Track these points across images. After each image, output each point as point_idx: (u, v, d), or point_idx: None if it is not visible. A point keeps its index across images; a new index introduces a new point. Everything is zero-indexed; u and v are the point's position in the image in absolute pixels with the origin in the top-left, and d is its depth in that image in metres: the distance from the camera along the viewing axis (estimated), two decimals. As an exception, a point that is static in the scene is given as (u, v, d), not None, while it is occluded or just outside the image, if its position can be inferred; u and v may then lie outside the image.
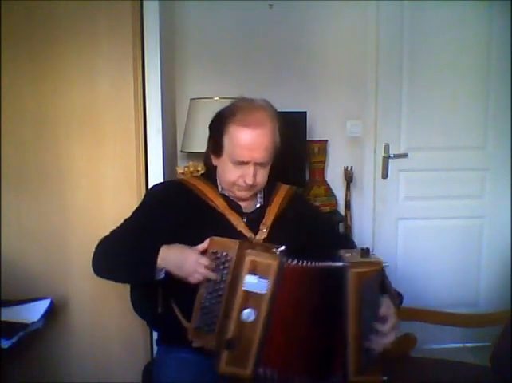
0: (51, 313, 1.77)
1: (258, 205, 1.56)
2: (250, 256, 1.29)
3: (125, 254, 1.41)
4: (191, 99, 2.34)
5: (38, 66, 1.87)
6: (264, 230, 1.49)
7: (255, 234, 1.49)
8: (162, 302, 1.54)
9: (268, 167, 1.51)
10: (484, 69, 2.73)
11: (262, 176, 1.49)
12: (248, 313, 1.28)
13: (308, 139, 2.53)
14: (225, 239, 1.34)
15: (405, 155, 2.73)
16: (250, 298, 1.28)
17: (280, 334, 1.29)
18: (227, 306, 1.30)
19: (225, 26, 2.59)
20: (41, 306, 1.71)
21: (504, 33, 2.68)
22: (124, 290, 1.69)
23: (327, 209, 2.56)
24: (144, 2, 1.94)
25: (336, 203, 2.65)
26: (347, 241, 1.70)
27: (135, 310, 1.68)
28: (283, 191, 1.61)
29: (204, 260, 1.31)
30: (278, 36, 2.62)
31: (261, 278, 1.28)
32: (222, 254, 1.32)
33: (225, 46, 2.61)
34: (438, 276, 2.81)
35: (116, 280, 1.52)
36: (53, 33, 1.86)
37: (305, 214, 1.60)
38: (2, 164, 1.88)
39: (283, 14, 2.60)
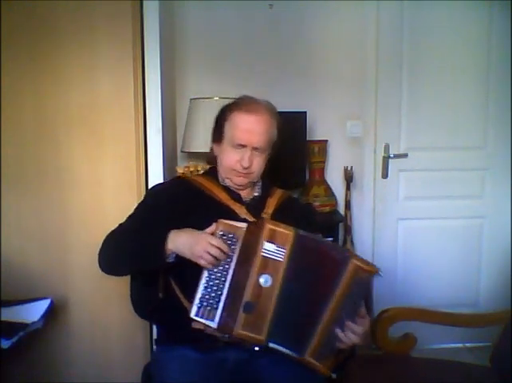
0: (51, 313, 1.76)
1: (257, 193, 1.62)
2: (269, 225, 1.36)
3: (136, 241, 1.44)
4: (190, 99, 2.34)
5: (38, 66, 1.87)
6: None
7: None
8: (163, 288, 1.54)
9: (264, 157, 1.56)
10: (484, 69, 2.73)
11: (258, 164, 1.55)
12: (266, 278, 1.34)
13: (308, 139, 2.53)
14: (232, 221, 1.39)
15: (405, 155, 2.74)
16: (269, 265, 1.34)
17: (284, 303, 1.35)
18: (237, 283, 1.34)
19: (225, 26, 2.59)
20: (41, 306, 1.71)
21: (504, 33, 2.68)
22: (124, 290, 1.70)
23: (327, 209, 2.56)
24: (144, 2, 1.94)
25: (336, 203, 2.65)
26: None
27: (136, 310, 1.69)
28: (279, 192, 1.66)
29: (216, 241, 1.34)
30: (278, 36, 2.62)
31: (278, 246, 1.35)
32: (228, 236, 1.37)
33: (225, 46, 2.61)
34: (438, 276, 2.81)
35: (127, 270, 1.54)
36: (53, 33, 1.86)
37: (301, 216, 1.62)
38: (2, 164, 1.88)
39: (283, 14, 2.60)
